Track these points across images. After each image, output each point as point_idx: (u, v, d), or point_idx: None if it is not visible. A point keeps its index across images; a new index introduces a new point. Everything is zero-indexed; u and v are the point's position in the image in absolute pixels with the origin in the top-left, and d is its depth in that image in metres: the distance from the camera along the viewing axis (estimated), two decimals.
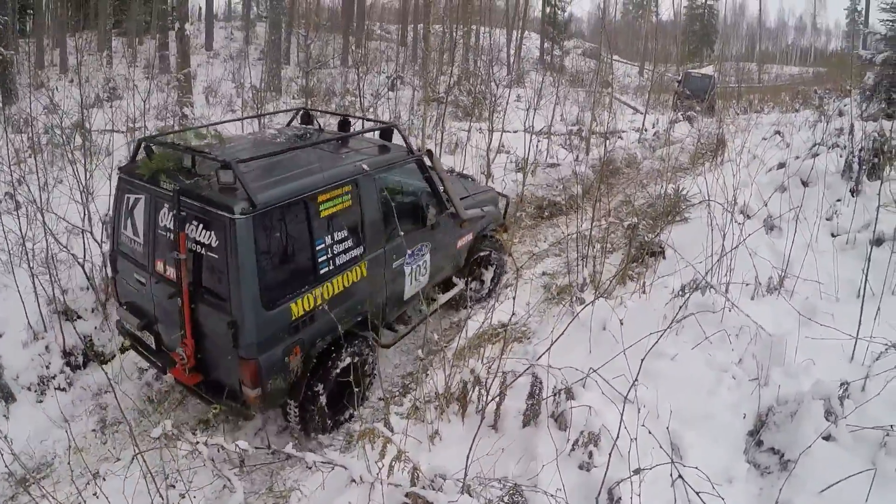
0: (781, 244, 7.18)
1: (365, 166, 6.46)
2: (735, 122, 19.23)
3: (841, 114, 16.23)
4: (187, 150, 5.96)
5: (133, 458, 4.13)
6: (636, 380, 3.87)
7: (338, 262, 6.15)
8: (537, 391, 5.01)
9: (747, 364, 5.40)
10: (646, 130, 20.11)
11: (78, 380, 7.28)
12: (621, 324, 5.47)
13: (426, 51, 18.29)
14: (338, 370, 6.10)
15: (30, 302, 7.36)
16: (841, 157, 9.39)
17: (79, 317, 7.80)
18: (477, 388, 5.34)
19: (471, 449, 4.12)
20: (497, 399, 5.18)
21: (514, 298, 5.92)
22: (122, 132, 11.72)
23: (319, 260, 5.95)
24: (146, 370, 7.50)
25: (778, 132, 15.39)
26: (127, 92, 14.90)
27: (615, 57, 47.90)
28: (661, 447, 4.19)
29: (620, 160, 15.80)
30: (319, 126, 8.19)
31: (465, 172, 11.60)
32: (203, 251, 5.47)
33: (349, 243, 6.28)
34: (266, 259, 5.45)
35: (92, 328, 7.78)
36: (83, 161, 8.47)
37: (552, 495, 3.99)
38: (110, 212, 7.13)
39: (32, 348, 7.27)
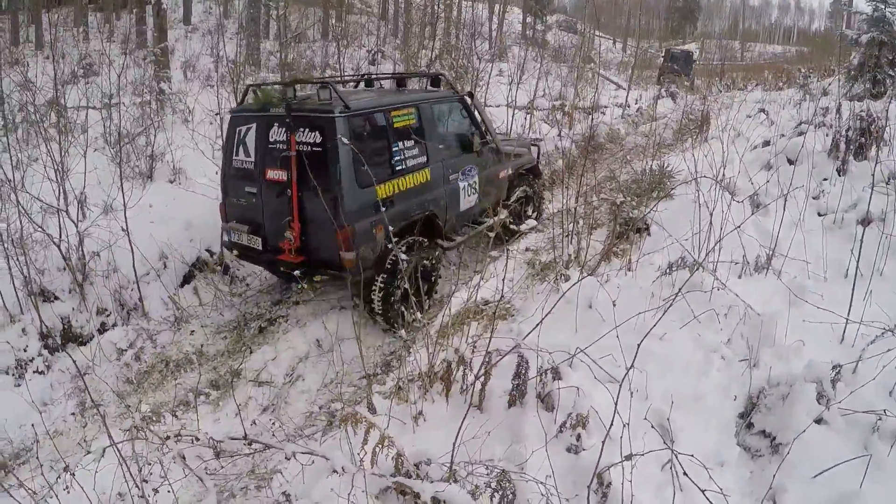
0: (768, 222, 7.10)
1: (423, 96, 8.44)
2: (718, 99, 19.19)
3: (826, 93, 16.21)
4: (294, 82, 7.70)
5: (104, 450, 4.01)
6: (633, 364, 3.74)
7: (408, 164, 7.75)
8: (523, 371, 4.91)
9: (737, 344, 5.33)
10: (629, 106, 20.02)
11: (56, 362, 7.17)
12: (614, 305, 5.35)
13: (407, 25, 18.09)
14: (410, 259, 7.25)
15: (4, 284, 7.27)
16: (827, 136, 9.34)
17: (56, 298, 7.69)
18: (461, 368, 5.23)
19: (458, 434, 4.01)
20: (482, 379, 5.07)
21: (504, 277, 5.81)
22: (97, 108, 11.49)
23: (395, 159, 7.58)
24: (125, 351, 7.39)
25: (762, 110, 15.35)
26: (103, 68, 14.62)
27: (598, 32, 47.85)
28: (653, 429, 4.12)
29: (604, 136, 15.71)
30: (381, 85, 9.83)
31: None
32: (309, 149, 6.97)
33: (416, 151, 7.90)
34: (358, 150, 6.71)
35: (69, 309, 7.65)
36: (58, 138, 8.29)
37: (542, 482, 3.88)
38: (223, 146, 8.52)
39: (9, 331, 7.19)
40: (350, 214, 6.87)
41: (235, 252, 8.12)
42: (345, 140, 6.69)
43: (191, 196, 9.60)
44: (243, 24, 24.03)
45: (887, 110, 9.84)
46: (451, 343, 5.61)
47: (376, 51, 25.22)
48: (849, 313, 5.23)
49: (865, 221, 6.98)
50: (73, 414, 6.50)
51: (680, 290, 4.95)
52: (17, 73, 11.64)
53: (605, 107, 19.31)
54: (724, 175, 7.91)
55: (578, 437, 4.43)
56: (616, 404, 3.60)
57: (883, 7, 15.22)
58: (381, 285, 7.39)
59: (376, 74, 11.44)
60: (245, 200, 7.77)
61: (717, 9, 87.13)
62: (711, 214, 6.58)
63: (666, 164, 9.80)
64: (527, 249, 9.23)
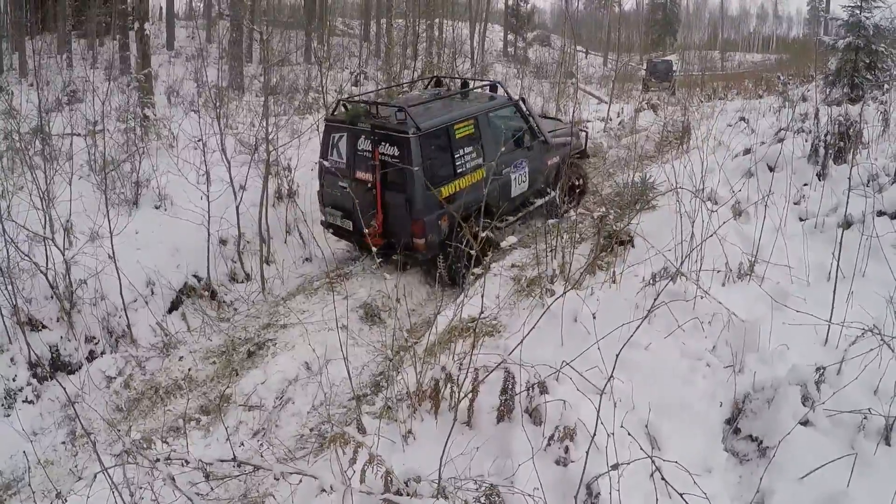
0: (750, 229, 7.15)
1: (480, 107, 10.15)
2: (700, 109, 19.26)
3: (805, 99, 16.31)
4: (376, 103, 9.75)
5: (95, 476, 4.00)
6: (612, 375, 3.78)
7: (467, 166, 9.60)
8: (510, 386, 4.94)
9: (721, 351, 5.37)
10: (610, 120, 20.10)
11: (46, 391, 7.21)
12: (594, 317, 5.40)
13: (389, 46, 18.16)
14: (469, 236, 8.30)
15: None
16: (807, 141, 9.38)
17: (44, 326, 7.71)
18: (449, 386, 5.26)
19: (444, 450, 4.02)
20: (470, 396, 5.10)
21: (482, 294, 5.84)
22: (82, 135, 11.48)
23: (457, 163, 9.45)
24: (114, 378, 7.39)
25: (743, 118, 15.39)
26: (87, 94, 14.64)
27: (579, 47, 48.11)
28: (640, 438, 4.14)
29: (586, 149, 15.73)
30: (448, 87, 12.07)
31: (553, 116, 16.40)
32: (389, 160, 8.93)
33: (474, 155, 9.71)
34: (426, 160, 8.95)
35: (58, 337, 7.69)
36: (43, 166, 8.30)
37: (529, 495, 3.90)
38: (320, 145, 10.18)
39: None
40: (420, 210, 8.89)
41: (331, 230, 10.24)
42: (416, 162, 8.72)
43: (177, 222, 9.58)
44: (226, 49, 24.06)
45: (863, 113, 9.94)
46: (438, 361, 5.63)
47: (359, 72, 25.30)
48: (831, 315, 5.26)
49: (846, 224, 7.05)
50: (63, 442, 6.51)
51: (656, 299, 4.96)
52: (2, 100, 11.63)
53: (588, 121, 19.35)
54: (704, 185, 7.96)
55: (566, 450, 4.47)
56: (598, 415, 3.64)
57: (858, 12, 15.28)
58: (450, 256, 9.24)
59: (446, 77, 13.64)
60: (339, 192, 9.48)
61: (697, 20, 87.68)
62: (693, 224, 6.62)
63: (648, 176, 9.83)
64: (513, 265, 9.24)
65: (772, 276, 6.47)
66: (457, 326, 6.99)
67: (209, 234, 9.20)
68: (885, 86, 14.02)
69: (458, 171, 9.48)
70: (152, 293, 8.73)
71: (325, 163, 9.39)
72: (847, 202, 6.66)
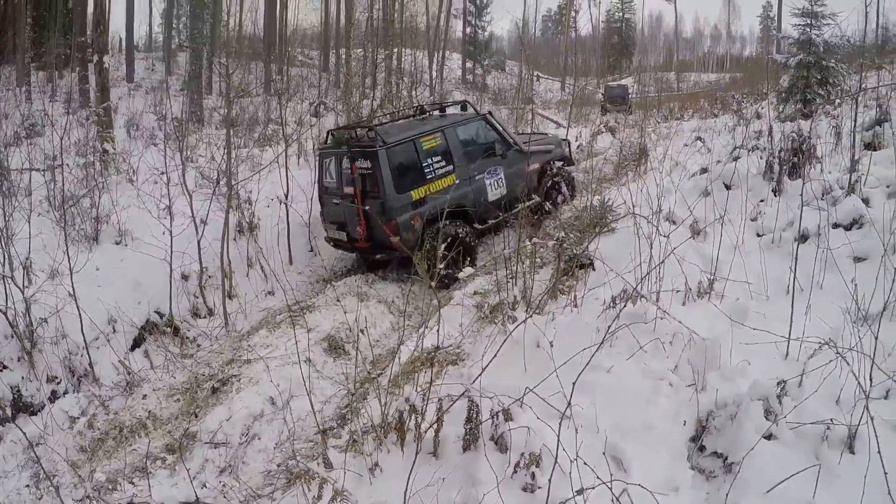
0: (709, 248, 7.21)
1: (444, 123, 11.39)
2: (656, 130, 19.46)
3: (759, 117, 16.56)
4: (355, 126, 11.83)
5: None
6: (570, 402, 3.79)
7: (436, 173, 10.76)
8: (474, 415, 4.94)
9: (683, 370, 5.39)
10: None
11: (8, 433, 7.03)
12: (551, 345, 5.43)
13: (347, 76, 18.18)
14: (443, 235, 9.04)
15: None
16: (761, 158, 9.50)
17: (4, 367, 7.57)
18: (413, 417, 5.24)
19: (408, 483, 4.00)
20: (435, 426, 5.08)
21: (437, 326, 5.84)
22: (41, 170, 11.36)
23: (426, 170, 10.65)
24: (77, 418, 7.27)
25: (699, 138, 15.60)
26: (46, 128, 14.51)
27: (536, 73, 48.46)
28: (604, 462, 4.14)
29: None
30: (430, 112, 12.95)
31: (541, 131, 18.59)
32: (365, 172, 10.20)
33: (443, 163, 10.91)
34: (396, 168, 10.25)
35: (19, 378, 7.57)
36: (1, 202, 8.21)
37: None
38: (316, 172, 11.89)
39: None
40: (393, 211, 10.09)
41: (332, 243, 11.63)
42: (385, 171, 10.05)
43: (137, 257, 9.48)
44: (186, 81, 23.92)
45: (816, 128, 10.09)
46: (402, 392, 5.61)
47: (318, 103, 25.29)
48: (790, 330, 5.29)
49: (802, 238, 7.14)
50: (27, 486, 6.37)
51: (612, 323, 4.99)
52: None
53: None
54: (662, 205, 8.03)
55: (533, 476, 4.46)
56: (559, 440, 3.64)
57: (809, 30, 15.60)
58: (425, 252, 9.62)
59: (427, 105, 14.65)
60: (333, 208, 11.17)
61: (652, 43, 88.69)
62: (651, 245, 6.67)
63: (606, 199, 9.93)
64: (475, 293, 9.28)
65: (731, 293, 6.53)
66: (420, 356, 6.98)
67: (171, 270, 9.10)
68: (837, 101, 14.26)
69: (428, 177, 10.67)
70: (114, 330, 8.61)
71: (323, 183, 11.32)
72: (801, 216, 6.76)
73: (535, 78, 43.76)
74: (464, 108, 12.65)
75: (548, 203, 12.29)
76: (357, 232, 10.52)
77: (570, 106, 26.42)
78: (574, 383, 3.91)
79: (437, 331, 6.19)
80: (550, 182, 12.52)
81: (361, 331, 8.21)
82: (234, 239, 10.81)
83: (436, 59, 43.53)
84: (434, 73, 40.36)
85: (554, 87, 54.27)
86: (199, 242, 9.59)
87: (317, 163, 11.86)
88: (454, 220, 10.55)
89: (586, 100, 34.69)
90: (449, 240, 9.65)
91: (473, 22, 53.77)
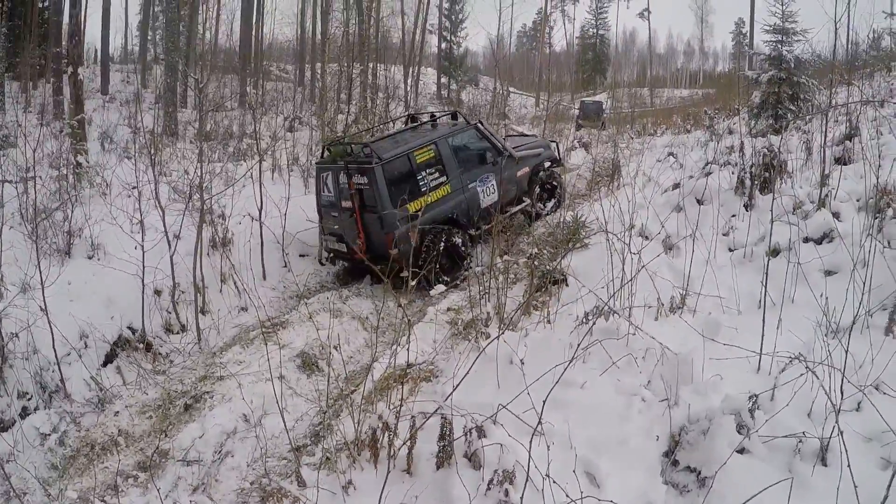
0: (681, 263, 7.28)
1: (437, 135, 11.67)
2: (630, 146, 19.55)
3: (731, 132, 16.70)
4: (349, 143, 11.59)
5: None
6: (540, 420, 3.79)
7: (431, 185, 10.99)
8: (448, 432, 4.92)
9: (656, 385, 5.41)
10: None
11: None
12: (522, 363, 5.43)
13: (322, 91, 18.15)
14: (442, 242, 10.81)
15: None
16: (733, 174, 9.59)
17: None
18: (386, 434, 5.22)
19: (381, 500, 3.98)
20: (408, 443, 5.07)
21: (409, 344, 5.82)
22: (13, 182, 11.22)
23: (420, 183, 10.95)
24: (48, 435, 7.17)
25: (671, 153, 15.68)
26: (20, 139, 14.34)
27: (511, 89, 48.62)
28: (578, 478, 4.14)
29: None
30: (420, 121, 13.36)
31: (527, 133, 18.97)
32: (362, 187, 10.61)
33: (436, 174, 11.23)
34: (391, 183, 10.58)
35: None
36: None
37: None
38: (313, 185, 12.45)
39: None
40: (390, 225, 10.38)
41: (331, 254, 12.04)
42: (381, 186, 10.40)
43: (110, 272, 9.35)
44: (161, 94, 23.75)
45: (787, 143, 10.19)
46: (375, 410, 5.59)
47: (293, 117, 25.22)
48: (761, 343, 5.33)
49: (773, 252, 7.20)
50: None
51: (582, 340, 5.00)
52: None
53: None
54: (634, 221, 8.08)
55: (506, 493, 4.46)
56: (530, 456, 3.63)
57: (780, 46, 15.76)
58: (422, 258, 10.34)
59: (418, 114, 14.98)
60: (332, 221, 11.50)
61: (626, 58, 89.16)
62: (623, 261, 6.70)
63: (580, 215, 9.97)
64: (448, 309, 9.28)
65: (704, 308, 6.59)
66: (394, 373, 6.97)
67: (143, 285, 9.02)
68: (808, 116, 14.41)
69: (423, 189, 10.87)
70: (86, 346, 8.47)
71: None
72: (771, 231, 6.83)
73: (508, 93, 44.05)
74: (454, 117, 13.05)
75: (539, 205, 13.24)
76: (356, 244, 10.83)
77: (544, 122, 26.49)
78: (545, 400, 3.89)
79: (409, 348, 6.13)
80: (541, 184, 13.34)
81: (335, 347, 8.16)
82: (208, 254, 10.70)
83: (411, 74, 43.59)
84: (409, 88, 40.37)
85: (528, 103, 54.37)
86: (171, 258, 9.52)
87: (315, 177, 12.21)
88: (448, 227, 11.11)
89: (560, 115, 34.82)
90: (443, 247, 10.83)
91: (449, 37, 54.00)
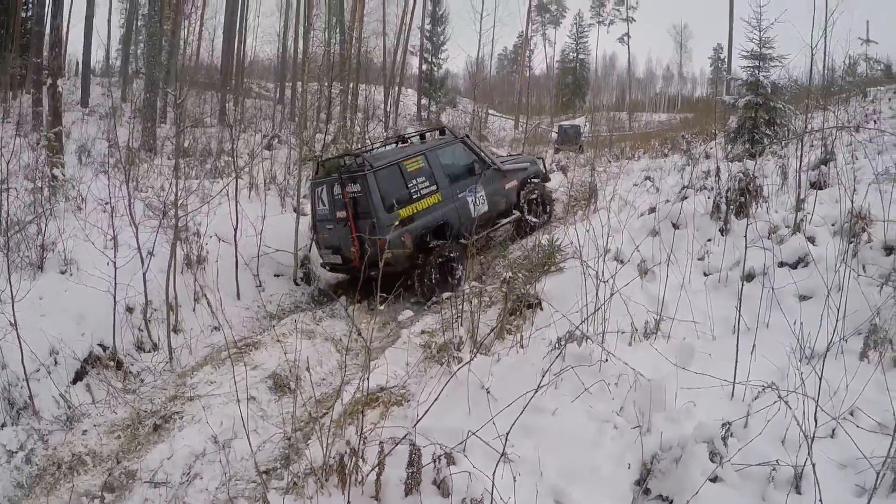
0: (656, 287, 7.24)
1: (426, 147, 12.39)
2: (607, 169, 19.61)
3: (707, 156, 16.78)
4: (343, 155, 12.58)
5: None
6: (504, 450, 3.72)
7: (422, 192, 11.64)
8: (416, 459, 4.85)
9: (629, 412, 5.34)
10: None
11: None
12: (488, 392, 5.36)
13: (301, 110, 18.12)
14: (434, 251, 11.25)
15: None
16: (709, 198, 9.60)
17: None
18: (354, 460, 5.14)
19: None
20: (377, 469, 4.99)
21: (378, 366, 5.75)
22: None
23: (411, 190, 11.52)
24: (15, 453, 7.02)
25: (648, 178, 15.76)
26: None
27: (491, 111, 48.83)
28: None
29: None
30: (411, 142, 14.03)
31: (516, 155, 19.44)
32: (356, 195, 11.05)
33: (427, 183, 11.78)
34: (384, 190, 11.07)
35: None
36: None
37: None
38: (308, 201, 13.06)
39: None
40: (383, 230, 10.56)
41: (328, 267, 12.40)
42: (374, 192, 10.91)
43: (82, 288, 9.23)
44: (140, 109, 23.59)
45: (763, 167, 10.24)
46: (344, 434, 5.52)
47: (272, 136, 25.15)
48: (735, 370, 5.29)
49: (748, 277, 7.20)
50: None
51: (553, 364, 4.95)
52: None
53: None
54: (610, 245, 8.06)
55: None
56: (493, 484, 3.57)
57: (757, 72, 15.91)
58: (419, 270, 11.17)
59: (407, 135, 15.76)
60: (327, 234, 11.96)
61: (605, 82, 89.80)
62: (597, 286, 6.67)
63: (555, 239, 9.95)
64: (422, 332, 9.21)
65: (678, 333, 6.55)
66: (364, 397, 6.89)
67: (115, 302, 8.89)
68: (784, 141, 14.49)
69: (413, 196, 11.52)
70: (56, 363, 8.34)
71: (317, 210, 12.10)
72: (745, 256, 6.82)
73: (487, 115, 44.21)
74: (442, 132, 13.72)
75: (530, 217, 13.69)
76: (351, 252, 11.21)
77: (522, 144, 26.56)
78: (511, 426, 3.84)
79: (380, 371, 6.05)
80: (528, 197, 13.81)
81: (307, 369, 8.08)
82: (182, 272, 10.61)
83: (391, 94, 43.71)
84: (389, 109, 40.46)
85: (507, 126, 54.60)
86: (144, 275, 9.40)
87: (309, 190, 12.86)
88: (441, 238, 11.65)
89: (539, 138, 34.98)
90: (440, 260, 11.29)
91: (430, 59, 54.15)
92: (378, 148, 14.28)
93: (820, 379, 4.41)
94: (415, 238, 11.33)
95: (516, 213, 13.48)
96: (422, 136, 14.19)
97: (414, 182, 11.67)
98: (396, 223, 10.67)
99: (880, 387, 4.99)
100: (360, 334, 7.29)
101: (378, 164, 11.30)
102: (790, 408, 4.39)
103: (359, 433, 5.30)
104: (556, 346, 6.28)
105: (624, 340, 6.46)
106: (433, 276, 11.23)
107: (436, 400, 5.03)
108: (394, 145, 14.24)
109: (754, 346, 5.54)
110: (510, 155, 18.67)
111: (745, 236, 6.89)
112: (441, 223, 11.86)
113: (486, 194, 12.73)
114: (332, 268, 12.36)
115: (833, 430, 4.62)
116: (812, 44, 10.50)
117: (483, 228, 12.47)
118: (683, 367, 5.54)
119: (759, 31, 15.94)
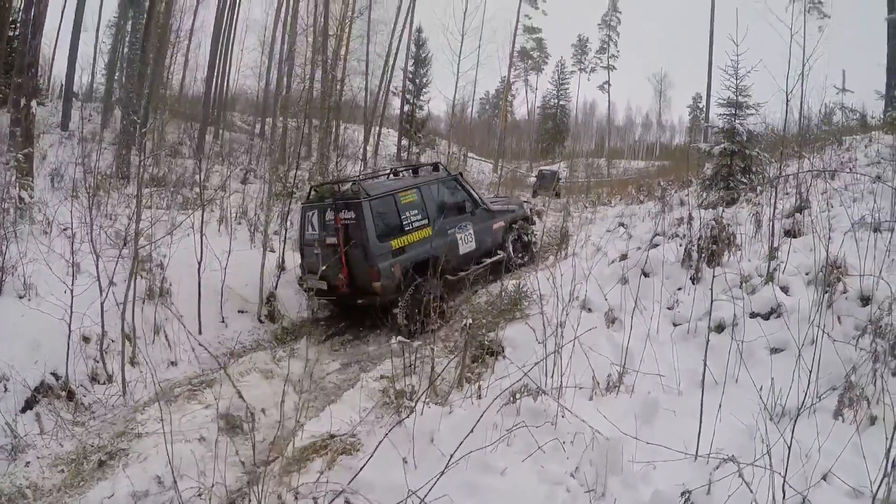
0: (622, 337, 6.96)
1: (420, 181, 12.53)
2: (582, 214, 19.53)
3: (682, 203, 16.67)
4: (341, 181, 12.89)
5: None
6: None
7: (413, 225, 11.65)
8: None
9: (583, 474, 5.04)
10: None
11: None
12: (432, 443, 5.03)
13: (278, 146, 17.97)
14: (421, 284, 10.98)
15: None
16: (681, 245, 9.41)
17: None
18: None
19: None
20: None
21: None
22: None
23: (404, 222, 11.53)
24: None
25: (622, 224, 15.67)
26: None
27: (470, 154, 48.98)
28: None
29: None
30: (403, 176, 14.20)
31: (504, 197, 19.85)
32: (349, 222, 10.97)
33: (419, 216, 11.81)
34: (378, 219, 11.07)
35: None
36: None
37: None
38: (297, 225, 13.04)
39: None
40: (375, 258, 10.81)
41: (312, 292, 11.71)
42: (368, 221, 10.88)
43: (39, 315, 8.95)
44: (118, 135, 23.36)
45: (737, 215, 10.06)
46: (290, 482, 5.25)
47: (247, 170, 24.93)
48: (699, 430, 4.98)
49: (718, 328, 6.95)
50: None
51: (512, 417, 4.63)
52: None
53: None
54: (578, 293, 7.82)
55: None
56: None
57: (733, 120, 15.90)
58: (404, 304, 10.98)
59: (401, 167, 16.59)
60: (315, 259, 11.65)
61: (585, 129, 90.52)
62: (561, 335, 6.38)
63: (522, 285, 9.69)
64: (381, 377, 8.88)
65: (643, 387, 6.29)
66: (314, 444, 6.59)
67: (70, 331, 8.60)
68: (759, 188, 14.44)
69: (406, 228, 11.57)
70: (5, 390, 8.05)
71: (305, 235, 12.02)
72: (710, 307, 6.58)
73: (466, 158, 44.42)
74: (436, 168, 13.90)
75: (515, 256, 13.98)
76: (339, 279, 11.13)
77: (498, 186, 26.54)
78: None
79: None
80: (514, 238, 14.13)
81: (262, 410, 7.93)
82: (143, 303, 10.36)
83: (372, 134, 43.78)
84: (369, 148, 40.46)
85: (486, 169, 54.78)
86: (102, 304, 9.13)
87: (300, 214, 12.67)
88: (426, 274, 11.23)
89: (517, 182, 35.11)
90: (425, 297, 10.93)
91: (412, 100, 54.31)
92: (370, 178, 14.33)
93: (789, 447, 4.11)
94: (404, 270, 11.28)
95: (501, 254, 13.54)
96: (415, 171, 14.33)
97: (407, 214, 11.77)
98: (387, 253, 11.03)
99: (856, 448, 4.65)
100: (311, 377, 6.98)
101: (374, 194, 11.40)
102: (752, 491, 4.05)
103: (293, 489, 5.00)
104: (511, 399, 5.96)
105: (585, 394, 6.17)
106: (418, 311, 10.74)
107: (370, 456, 4.72)
108: (385, 178, 14.36)
109: (721, 404, 5.22)
110: (498, 196, 19.08)
111: (711, 289, 6.59)
112: (430, 257, 11.42)
113: (474, 232, 12.94)
114: (316, 293, 11.95)
115: (804, 498, 4.28)
116: (787, 90, 10.47)
117: (469, 266, 12.79)
118: (646, 423, 5.25)
119: (736, 79, 15.91)
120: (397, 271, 11.16)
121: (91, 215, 9.62)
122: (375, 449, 4.77)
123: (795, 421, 4.47)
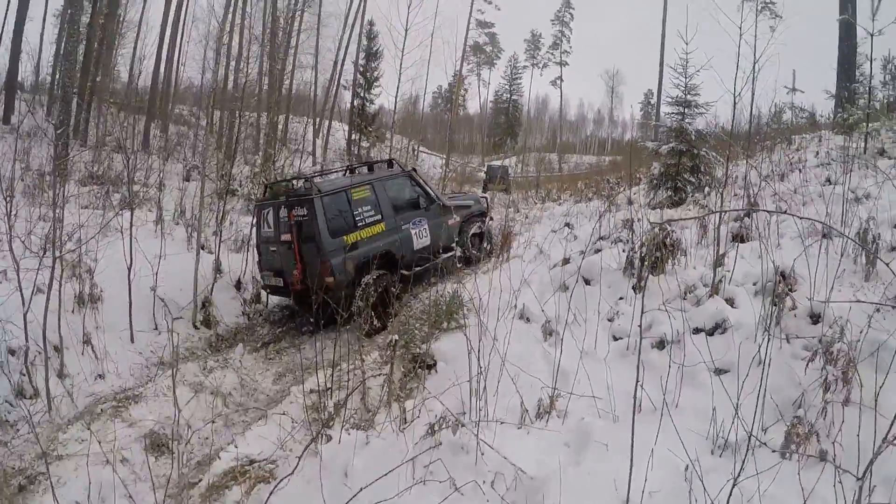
0: (557, 354, 6.51)
1: (373, 177, 12.48)
2: (530, 213, 19.22)
3: (630, 202, 16.39)
4: (294, 178, 13.12)
5: None
6: None
7: (366, 221, 11.62)
8: None
9: None
10: None
11: None
12: (346, 479, 4.57)
13: (227, 140, 17.48)
14: (374, 278, 10.51)
15: None
16: (623, 251, 8.98)
17: None
18: None
19: None
20: None
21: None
22: None
23: (357, 218, 11.47)
24: None
25: (567, 224, 15.37)
26: None
27: (423, 148, 48.68)
28: None
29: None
30: (359, 171, 14.23)
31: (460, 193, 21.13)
32: (301, 219, 10.92)
33: (372, 212, 11.78)
34: (330, 215, 11.01)
35: None
36: None
37: None
38: (253, 223, 13.16)
39: None
40: (327, 253, 10.77)
41: (268, 290, 12.21)
42: (320, 217, 10.81)
43: None
44: (57, 130, 22.55)
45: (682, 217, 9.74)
46: None
47: (191, 166, 24.19)
48: (631, 466, 4.41)
49: (660, 345, 6.58)
50: None
51: (430, 452, 4.18)
52: None
53: None
54: (515, 301, 7.39)
55: None
56: None
57: (682, 119, 15.70)
58: (357, 297, 10.18)
59: (356, 164, 15.75)
60: (270, 256, 11.78)
61: (538, 124, 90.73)
62: (485, 355, 5.93)
63: (458, 292, 9.22)
64: (311, 391, 8.37)
65: (576, 412, 5.84)
66: (235, 468, 6.29)
67: None
68: (707, 188, 14.23)
69: (358, 224, 11.58)
70: None
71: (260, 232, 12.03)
72: (640, 324, 6.24)
73: (417, 153, 44.18)
74: (390, 164, 13.88)
75: (472, 251, 13.91)
76: (293, 276, 11.13)
77: (443, 182, 26.20)
78: None
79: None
80: (471, 234, 14.17)
81: (188, 427, 7.50)
82: (73, 311, 9.84)
83: (322, 128, 43.27)
84: (318, 142, 39.91)
85: (437, 163, 54.56)
86: (25, 314, 8.54)
87: (254, 213, 13.17)
88: (382, 269, 11.40)
89: (467, 177, 34.88)
90: (379, 290, 10.94)
91: (363, 94, 53.82)
92: (324, 174, 14.80)
93: (730, 494, 3.69)
94: (357, 265, 11.24)
95: (458, 250, 12.86)
96: (370, 167, 14.09)
97: (360, 210, 11.82)
98: (340, 248, 11.04)
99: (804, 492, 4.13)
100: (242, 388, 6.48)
101: (326, 190, 11.45)
102: None
103: None
104: (430, 431, 5.47)
105: (514, 422, 5.67)
106: (372, 307, 10.52)
107: (274, 488, 4.21)
108: (341, 174, 14.84)
109: (657, 435, 4.74)
110: (454, 192, 19.54)
111: (642, 306, 6.16)
112: (383, 252, 11.87)
113: (429, 227, 13.01)
114: (272, 290, 12.35)
115: None
116: (735, 91, 10.25)
117: (424, 261, 12.74)
118: (576, 457, 4.81)
119: (686, 78, 15.81)
120: (350, 267, 11.15)
121: (8, 222, 9.02)
122: (279, 482, 4.32)
123: (742, 464, 4.04)
